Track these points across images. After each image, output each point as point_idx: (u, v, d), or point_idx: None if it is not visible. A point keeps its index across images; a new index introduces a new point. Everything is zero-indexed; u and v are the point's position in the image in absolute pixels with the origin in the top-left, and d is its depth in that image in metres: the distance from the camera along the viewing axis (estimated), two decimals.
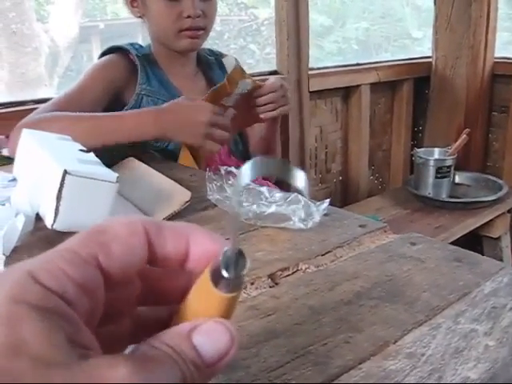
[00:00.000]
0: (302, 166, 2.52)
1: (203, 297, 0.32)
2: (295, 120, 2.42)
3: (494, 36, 2.84)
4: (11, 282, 0.27)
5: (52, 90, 2.68)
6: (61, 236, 0.81)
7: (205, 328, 0.29)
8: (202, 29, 1.46)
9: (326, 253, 0.75)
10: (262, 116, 1.41)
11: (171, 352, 0.27)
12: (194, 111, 1.19)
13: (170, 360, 0.27)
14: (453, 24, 2.82)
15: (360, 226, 0.84)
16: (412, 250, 0.75)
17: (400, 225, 2.19)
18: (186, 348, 0.28)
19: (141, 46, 1.54)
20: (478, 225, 2.35)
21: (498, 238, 2.56)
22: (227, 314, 0.32)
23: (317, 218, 0.82)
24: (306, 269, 0.71)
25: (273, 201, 0.86)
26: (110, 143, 1.18)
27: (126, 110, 1.46)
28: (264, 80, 1.44)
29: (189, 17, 1.42)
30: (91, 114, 1.30)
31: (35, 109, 1.35)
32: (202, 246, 0.33)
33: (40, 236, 0.83)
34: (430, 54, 3.01)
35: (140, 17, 1.52)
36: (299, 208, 0.83)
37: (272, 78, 1.44)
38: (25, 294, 0.26)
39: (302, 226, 0.81)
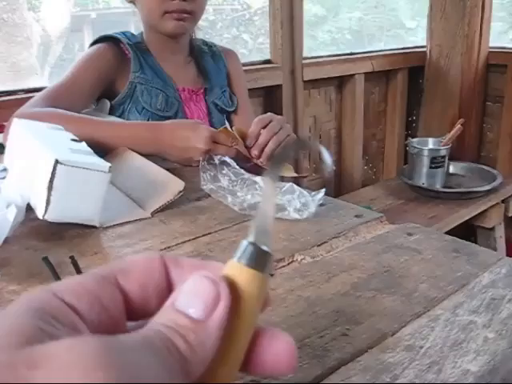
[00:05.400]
0: (296, 156, 2.51)
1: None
2: (289, 110, 2.40)
3: (489, 25, 2.83)
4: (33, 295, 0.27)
5: (44, 79, 2.66)
6: (52, 227, 0.80)
7: (185, 288, 0.28)
8: (188, 12, 1.45)
9: (322, 243, 0.74)
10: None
11: (158, 327, 0.26)
12: (191, 137, 1.15)
13: (149, 339, 0.25)
14: (447, 13, 2.81)
15: (356, 216, 0.83)
16: (409, 240, 0.75)
17: (394, 215, 2.19)
18: (170, 315, 0.27)
19: (132, 35, 1.53)
20: (471, 215, 2.35)
21: (492, 229, 2.56)
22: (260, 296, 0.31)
23: (312, 208, 0.81)
24: (301, 260, 0.70)
25: None
26: (107, 149, 1.15)
27: (120, 98, 1.46)
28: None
29: None
30: (92, 117, 1.28)
31: (26, 98, 1.33)
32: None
33: (31, 227, 0.82)
34: (423, 44, 3.00)
35: (131, 1, 1.51)
36: (294, 198, 0.82)
37: (257, 117, 1.26)
38: (37, 300, 0.27)
39: (297, 216, 0.80)
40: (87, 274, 0.30)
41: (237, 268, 0.30)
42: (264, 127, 1.21)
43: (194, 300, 0.27)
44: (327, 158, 0.34)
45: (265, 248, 0.31)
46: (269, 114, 1.26)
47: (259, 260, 0.30)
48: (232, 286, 0.29)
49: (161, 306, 0.32)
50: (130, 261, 0.31)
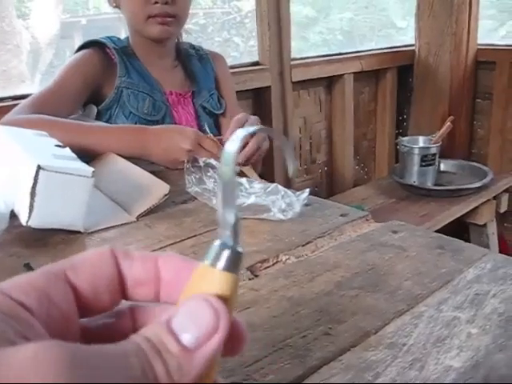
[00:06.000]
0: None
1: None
2: (278, 111, 2.40)
3: (477, 23, 2.84)
4: None
5: (34, 86, 2.65)
6: (36, 233, 0.80)
7: (184, 309, 0.27)
8: (171, 16, 1.45)
9: (307, 243, 0.74)
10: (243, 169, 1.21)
11: (142, 343, 0.25)
12: (177, 138, 1.17)
13: (126, 354, 0.25)
14: (435, 11, 2.81)
15: (341, 216, 0.83)
16: (394, 238, 0.74)
17: (386, 214, 2.18)
18: (161, 333, 0.26)
19: (119, 39, 1.53)
20: (463, 212, 2.34)
21: (484, 225, 2.56)
22: (234, 299, 0.30)
23: (297, 208, 0.81)
24: (286, 260, 0.70)
25: (252, 192, 0.84)
26: (92, 154, 1.15)
27: (107, 103, 1.45)
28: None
29: (156, 2, 1.42)
30: (78, 122, 1.28)
31: (13, 105, 1.33)
32: (172, 265, 0.32)
33: (15, 234, 0.81)
34: (412, 43, 3.00)
35: (116, 6, 1.51)
36: (279, 198, 0.81)
37: (234, 118, 1.27)
38: None
39: (281, 216, 0.80)
40: (37, 272, 0.29)
41: (215, 274, 0.29)
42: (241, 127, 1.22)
43: (190, 325, 0.26)
44: (290, 155, 0.33)
45: (239, 249, 0.30)
46: (242, 114, 1.28)
47: (234, 262, 0.29)
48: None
49: (113, 300, 0.31)
50: (79, 257, 0.31)
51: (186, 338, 0.26)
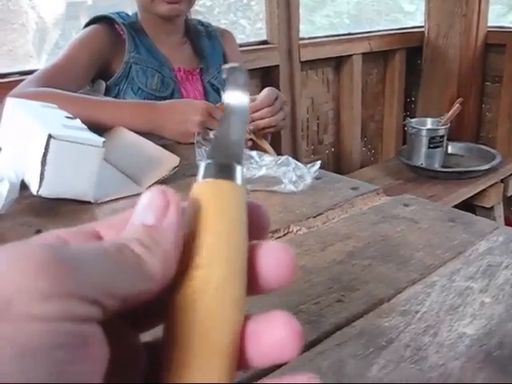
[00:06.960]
0: (294, 138, 2.50)
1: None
2: (286, 91, 2.39)
3: (487, 5, 2.81)
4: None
5: (40, 66, 2.64)
6: (47, 203, 0.80)
7: (139, 205, 0.28)
8: None
9: (318, 215, 0.74)
10: (252, 136, 1.26)
11: (117, 240, 0.26)
12: (188, 110, 1.19)
13: (102, 247, 0.25)
14: None
15: (352, 189, 0.83)
16: (405, 210, 0.74)
17: (393, 195, 2.17)
18: (126, 230, 0.27)
19: (127, 15, 1.51)
20: (470, 194, 2.34)
21: (491, 208, 2.55)
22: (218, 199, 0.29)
23: (308, 180, 0.81)
24: (297, 231, 0.70)
25: (263, 164, 0.84)
26: (101, 127, 1.15)
27: (116, 78, 1.45)
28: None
29: None
30: (88, 96, 1.28)
31: (21, 81, 1.32)
32: None
33: (25, 204, 0.81)
34: (422, 25, 2.97)
35: None
36: (290, 170, 0.81)
37: (266, 90, 1.31)
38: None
39: (293, 188, 0.80)
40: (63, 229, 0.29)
41: (202, 184, 0.29)
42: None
43: (147, 212, 0.27)
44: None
45: (229, 161, 0.29)
46: (273, 91, 1.31)
47: (225, 171, 0.29)
48: (199, 199, 0.28)
49: None
50: (117, 216, 0.30)
51: (149, 222, 0.27)
